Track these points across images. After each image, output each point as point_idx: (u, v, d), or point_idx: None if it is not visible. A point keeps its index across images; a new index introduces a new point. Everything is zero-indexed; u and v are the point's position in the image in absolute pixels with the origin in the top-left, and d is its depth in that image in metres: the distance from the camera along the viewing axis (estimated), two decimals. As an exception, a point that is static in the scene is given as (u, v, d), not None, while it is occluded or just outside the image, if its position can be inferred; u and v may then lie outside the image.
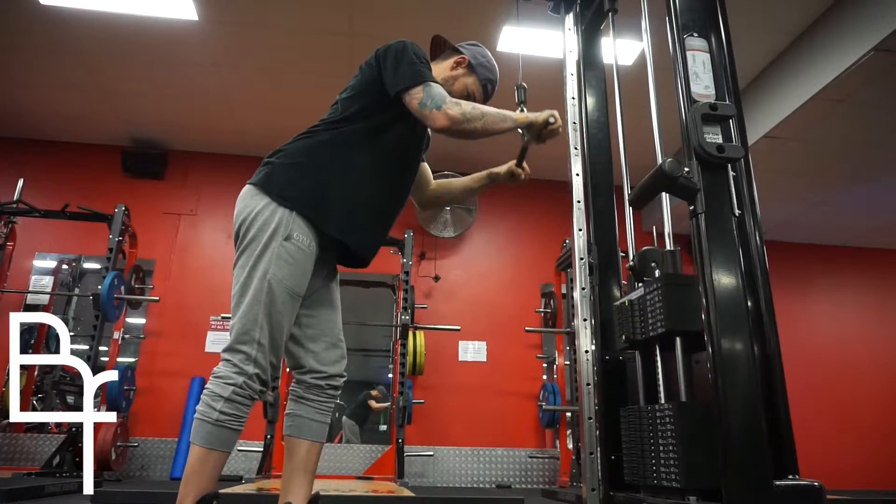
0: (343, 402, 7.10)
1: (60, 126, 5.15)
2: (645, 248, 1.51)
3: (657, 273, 1.44)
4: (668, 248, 1.53)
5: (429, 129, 1.75)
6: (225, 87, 4.57)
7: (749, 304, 1.22)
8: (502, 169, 1.86)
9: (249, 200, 1.53)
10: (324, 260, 1.61)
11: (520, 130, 1.64)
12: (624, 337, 1.47)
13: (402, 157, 1.68)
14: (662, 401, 1.35)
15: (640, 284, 1.45)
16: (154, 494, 2.99)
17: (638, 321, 1.41)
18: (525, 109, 1.73)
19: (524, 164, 1.85)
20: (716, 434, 1.09)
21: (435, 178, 1.96)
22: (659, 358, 1.38)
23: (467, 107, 1.54)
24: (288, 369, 1.68)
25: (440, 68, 1.78)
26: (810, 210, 5.61)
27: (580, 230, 1.76)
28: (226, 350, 1.45)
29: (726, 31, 1.41)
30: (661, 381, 1.36)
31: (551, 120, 1.62)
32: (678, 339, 1.30)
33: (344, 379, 1.67)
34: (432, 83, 1.55)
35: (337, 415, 6.94)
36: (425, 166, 1.91)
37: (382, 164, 1.63)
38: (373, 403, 6.90)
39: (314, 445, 1.61)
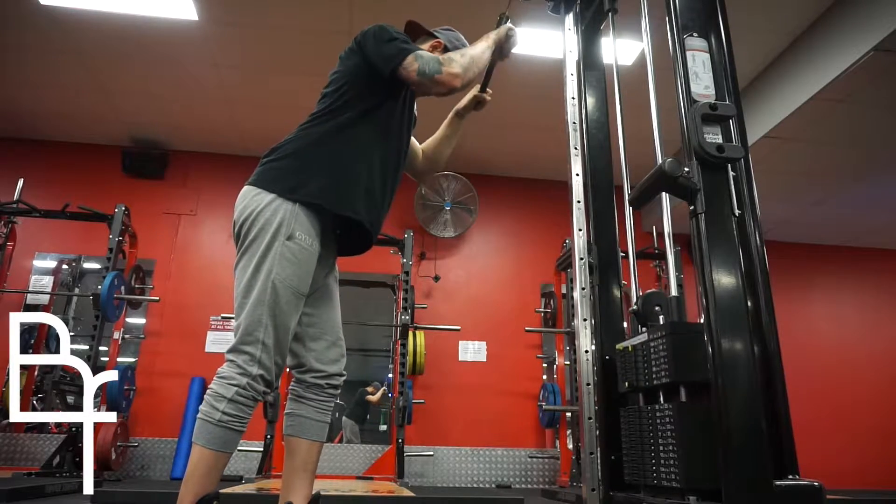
0: (343, 401, 7.11)
1: (60, 126, 5.15)
2: (649, 290, 1.48)
3: (661, 319, 1.41)
4: (668, 250, 1.53)
5: (414, 109, 1.78)
6: (225, 87, 4.57)
7: (749, 304, 1.22)
8: (466, 100, 1.91)
9: (250, 200, 1.53)
10: (325, 257, 1.61)
11: None
12: (627, 383, 1.42)
13: (395, 136, 1.69)
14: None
15: (644, 329, 1.40)
16: (154, 494, 2.98)
17: (642, 368, 1.36)
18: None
19: (488, 88, 1.90)
20: (716, 434, 1.09)
21: None
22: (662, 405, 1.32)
23: (458, 57, 1.60)
24: (287, 368, 1.68)
25: None
26: (810, 210, 5.61)
27: (580, 230, 1.76)
28: (230, 351, 1.45)
29: (726, 31, 1.41)
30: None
31: (511, 33, 1.76)
32: (682, 389, 1.25)
33: (343, 378, 1.68)
34: (420, 51, 1.59)
35: (337, 415, 6.94)
36: (412, 140, 1.93)
37: (379, 144, 1.64)
38: (370, 398, 6.92)
39: (314, 445, 1.61)
